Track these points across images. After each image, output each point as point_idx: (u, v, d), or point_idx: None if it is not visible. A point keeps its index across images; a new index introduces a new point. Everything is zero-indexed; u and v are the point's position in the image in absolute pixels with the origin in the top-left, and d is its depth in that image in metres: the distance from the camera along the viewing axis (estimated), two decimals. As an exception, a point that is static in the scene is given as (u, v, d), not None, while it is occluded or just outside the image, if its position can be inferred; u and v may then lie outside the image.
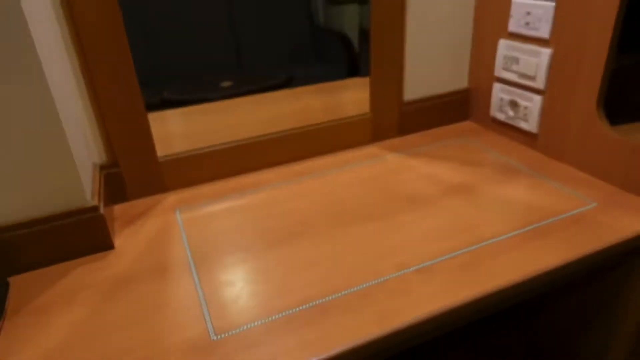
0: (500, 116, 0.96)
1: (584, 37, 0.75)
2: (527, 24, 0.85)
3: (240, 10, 2.60)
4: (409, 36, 0.94)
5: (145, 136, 0.79)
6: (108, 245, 0.68)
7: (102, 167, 0.78)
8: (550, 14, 0.80)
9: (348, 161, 0.92)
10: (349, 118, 0.95)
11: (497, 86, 0.96)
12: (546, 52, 0.82)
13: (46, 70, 0.57)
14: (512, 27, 0.88)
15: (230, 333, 0.52)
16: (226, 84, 2.08)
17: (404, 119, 1.00)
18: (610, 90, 0.82)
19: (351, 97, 1.24)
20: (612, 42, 0.72)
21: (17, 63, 0.55)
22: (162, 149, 0.82)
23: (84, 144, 0.73)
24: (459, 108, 1.06)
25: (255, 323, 0.53)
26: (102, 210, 0.66)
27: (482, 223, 0.69)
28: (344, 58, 2.61)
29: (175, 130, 1.07)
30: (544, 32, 0.82)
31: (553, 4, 0.79)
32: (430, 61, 0.98)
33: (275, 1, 2.69)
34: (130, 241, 0.70)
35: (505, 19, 0.90)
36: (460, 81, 1.04)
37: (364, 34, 2.98)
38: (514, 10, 0.87)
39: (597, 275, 0.83)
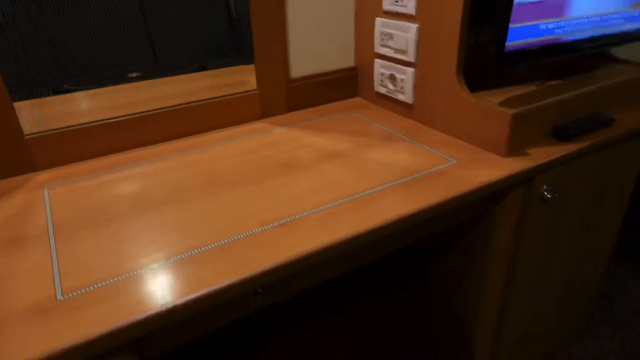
0: (382, 90, 1.02)
1: (442, 13, 0.82)
2: (397, 1, 0.90)
3: (153, 2, 2.53)
4: (290, 14, 0.96)
5: (6, 112, 0.75)
6: (-40, 222, 0.64)
7: (-42, 145, 0.73)
8: (413, -10, 0.86)
9: (233, 136, 0.92)
10: (236, 94, 0.96)
11: (377, 62, 1.01)
12: (413, 27, 0.88)
13: None
14: (386, 5, 0.94)
15: (77, 293, 0.51)
16: (134, 74, 2.01)
17: (292, 96, 1.02)
18: (471, 62, 0.90)
19: (249, 79, 1.25)
20: (464, 17, 0.79)
21: None
22: (36, 129, 0.78)
23: None
24: (347, 85, 1.10)
25: (104, 283, 0.52)
26: (-51, 184, 0.62)
27: (353, 181, 0.73)
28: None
29: (57, 109, 1.02)
30: (411, 8, 0.87)
31: (415, -20, 0.85)
32: (314, 39, 1.02)
33: (187, -6, 2.65)
34: (-13, 217, 0.66)
35: (379, -4, 0.95)
36: (347, 60, 1.09)
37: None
38: (385, -12, 0.92)
39: (468, 229, 0.91)
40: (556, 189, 0.83)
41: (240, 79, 1.26)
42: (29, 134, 0.78)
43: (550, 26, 0.86)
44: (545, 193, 0.82)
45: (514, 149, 0.79)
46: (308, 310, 0.90)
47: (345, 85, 1.09)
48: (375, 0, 0.96)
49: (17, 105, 0.77)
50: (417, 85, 0.92)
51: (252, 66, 1.36)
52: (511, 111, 0.75)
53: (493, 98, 0.89)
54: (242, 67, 1.42)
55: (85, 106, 1.04)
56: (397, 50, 0.94)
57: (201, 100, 0.92)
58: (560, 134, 0.84)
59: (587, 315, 1.27)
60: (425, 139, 0.87)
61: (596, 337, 1.27)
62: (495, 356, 1.00)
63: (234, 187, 0.73)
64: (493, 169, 0.75)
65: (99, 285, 0.52)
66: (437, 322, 1.08)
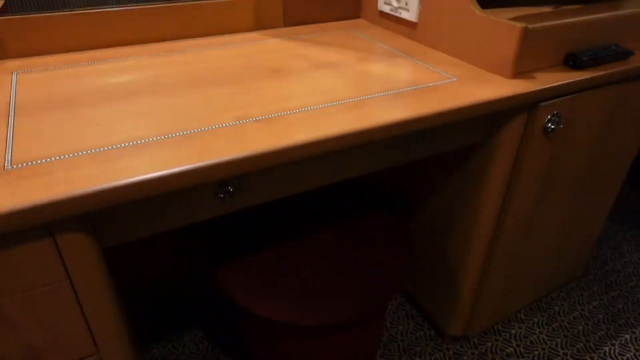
0: (386, 8, 0.94)
1: None
2: None
3: None
4: None
5: (-25, -13, 0.69)
6: None
7: None
8: None
9: (221, 43, 0.86)
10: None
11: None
12: None
13: None
14: None
15: (26, 164, 0.47)
16: None
17: (290, 8, 0.95)
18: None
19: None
20: None
21: None
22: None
23: None
24: (351, 3, 1.02)
25: (57, 157, 0.49)
26: None
27: (345, 88, 0.67)
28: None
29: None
30: None
31: None
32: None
33: None
34: (-53, 94, 0.62)
35: None
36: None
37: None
38: None
39: (463, 160, 0.86)
40: (561, 120, 0.77)
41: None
42: (4, 15, 0.73)
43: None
44: (549, 124, 0.77)
45: (519, 71, 0.73)
46: (285, 215, 0.88)
47: (348, 3, 1.02)
48: None
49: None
50: (423, 2, 0.85)
51: None
52: (520, 25, 0.69)
53: (503, 15, 0.82)
54: None
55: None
56: (397, 9, 0.86)
57: (190, 2, 0.86)
58: (572, 61, 0.77)
59: (579, 271, 1.24)
60: (426, 58, 0.81)
61: (584, 295, 1.25)
62: (478, 300, 0.97)
63: (215, 85, 0.68)
64: (494, 88, 0.69)
65: (51, 159, 0.48)
66: (418, 254, 1.06)
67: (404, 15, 0.90)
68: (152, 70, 0.72)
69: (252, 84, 0.68)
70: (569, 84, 0.73)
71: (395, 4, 0.91)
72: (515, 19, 0.77)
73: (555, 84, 0.72)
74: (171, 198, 0.53)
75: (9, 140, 0.52)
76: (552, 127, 0.76)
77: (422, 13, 0.86)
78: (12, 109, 0.59)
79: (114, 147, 0.51)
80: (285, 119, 0.58)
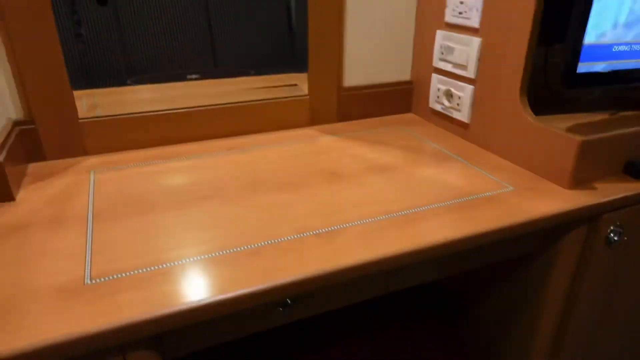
0: (437, 107, 0.97)
1: (508, 27, 0.77)
2: (461, 13, 0.86)
3: (217, 10, 2.62)
4: (348, 22, 0.94)
5: (64, 95, 0.77)
6: (7, 197, 0.66)
7: (18, 123, 0.76)
8: (480, 2, 0.81)
9: (280, 140, 0.91)
10: (286, 98, 0.95)
11: (435, 77, 0.97)
12: (476, 41, 0.83)
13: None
14: (448, 17, 0.90)
15: (104, 279, 0.50)
16: (194, 76, 2.07)
17: (343, 105, 1.00)
18: (536, 83, 0.84)
19: (301, 85, 1.24)
20: (533, 33, 0.74)
21: None
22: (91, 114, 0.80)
23: (-4, 96, 0.71)
24: (402, 99, 1.06)
25: (133, 272, 0.51)
26: (2, 158, 0.64)
27: (399, 197, 0.69)
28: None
29: (116, 98, 1.05)
30: (475, 21, 0.83)
31: (483, -7, 0.80)
32: (371, 49, 0.99)
33: (253, 2, 2.72)
34: (33, 195, 0.68)
35: (443, 9, 0.91)
36: (403, 73, 1.05)
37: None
38: (450, 0, 0.88)
39: (517, 268, 0.84)
40: (624, 232, 0.75)
41: (293, 83, 1.25)
42: (83, 118, 0.80)
43: (628, 48, 0.79)
44: (612, 235, 0.74)
45: (578, 181, 0.72)
46: (335, 326, 0.86)
47: (399, 99, 1.06)
48: (438, 11, 0.93)
49: (77, 93, 0.80)
50: (476, 104, 0.87)
51: (306, 74, 1.36)
52: (579, 138, 0.69)
53: (558, 123, 0.82)
54: (295, 74, 1.42)
55: (140, 97, 1.06)
56: (456, 65, 0.89)
57: (250, 101, 0.92)
58: (633, 171, 0.76)
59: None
60: (480, 161, 0.82)
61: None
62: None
63: (273, 190, 0.70)
64: (554, 200, 0.68)
65: (127, 274, 0.51)
66: None
67: (456, 115, 0.92)
68: (215, 172, 0.76)
69: (309, 190, 0.71)
70: (633, 196, 0.72)
71: (446, 103, 0.94)
72: (571, 128, 0.77)
73: (617, 197, 0.70)
74: (232, 313, 0.54)
75: (88, 251, 0.55)
76: (616, 238, 0.74)
77: (474, 115, 0.88)
78: (90, 214, 0.63)
79: (185, 261, 0.53)
80: (343, 234, 0.59)
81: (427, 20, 0.97)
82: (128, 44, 2.40)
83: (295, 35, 2.86)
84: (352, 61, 0.98)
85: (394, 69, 1.04)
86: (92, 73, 2.24)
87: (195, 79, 2.03)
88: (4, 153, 0.65)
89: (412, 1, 0.98)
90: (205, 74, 2.11)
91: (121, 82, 2.04)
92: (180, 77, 2.06)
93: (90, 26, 2.23)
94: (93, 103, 0.93)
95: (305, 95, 0.96)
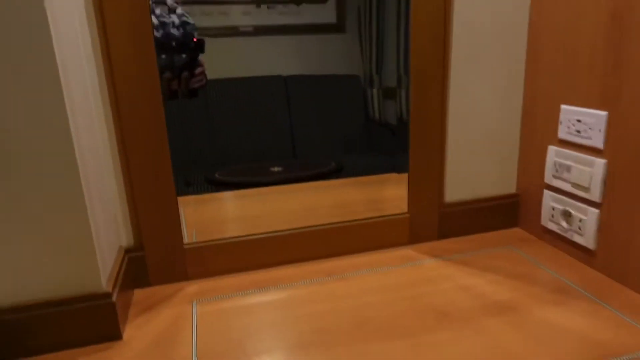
0: (552, 226, 0.88)
1: (643, 149, 0.69)
2: (579, 132, 0.80)
3: (297, 104, 2.75)
4: (450, 136, 0.91)
5: (174, 222, 0.79)
6: (116, 336, 0.65)
7: (127, 250, 0.78)
8: (602, 123, 0.75)
9: (380, 263, 0.86)
10: (385, 216, 0.91)
11: (547, 194, 0.89)
12: (600, 163, 0.76)
13: (77, 152, 0.60)
14: (562, 134, 0.84)
15: None
16: (276, 169, 2.13)
17: (445, 222, 0.94)
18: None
19: (393, 193, 1.21)
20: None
21: (54, 156, 0.57)
22: (192, 234, 0.81)
23: (112, 227, 0.74)
24: (506, 214, 0.98)
25: None
26: (114, 297, 0.64)
27: (526, 354, 0.60)
28: (396, 149, 2.64)
29: (213, 214, 1.08)
30: (598, 141, 0.76)
31: (606, 113, 0.74)
32: (473, 163, 0.94)
33: (331, 94, 2.83)
34: (139, 333, 0.67)
35: (554, 125, 0.85)
36: (507, 185, 0.98)
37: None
38: (563, 117, 0.83)
39: None
40: None
41: (387, 191, 1.22)
42: (188, 244, 0.81)
43: None
44: None
45: None
46: None
47: (503, 213, 0.98)
48: (549, 126, 0.87)
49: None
50: (603, 229, 0.78)
51: (395, 175, 1.32)
52: None
53: None
54: (386, 176, 1.40)
55: (237, 212, 1.08)
56: (575, 186, 0.82)
57: (349, 221, 0.89)
58: None
59: None
60: (613, 300, 0.71)
61: None
62: None
63: (384, 336, 0.64)
64: None
65: None
66: None
67: (577, 239, 0.82)
68: (315, 307, 0.72)
69: (420, 337, 0.64)
70: None
71: (564, 224, 0.85)
72: None
73: None
74: None
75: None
76: None
77: (601, 241, 0.78)
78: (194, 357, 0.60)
79: None
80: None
81: (535, 134, 0.91)
82: (217, 135, 2.56)
83: (371, 123, 2.91)
84: (454, 175, 0.94)
85: (498, 183, 0.97)
86: (179, 165, 2.40)
87: (278, 173, 2.09)
88: (117, 290, 0.66)
89: (516, 113, 0.94)
90: (287, 167, 2.16)
91: (210, 176, 2.13)
92: (264, 170, 2.12)
93: (182, 117, 2.41)
94: (192, 220, 0.95)
95: (405, 213, 0.92)
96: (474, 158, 0.94)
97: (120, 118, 0.72)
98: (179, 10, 1.37)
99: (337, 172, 2.16)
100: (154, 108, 0.73)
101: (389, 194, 1.21)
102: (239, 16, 2.74)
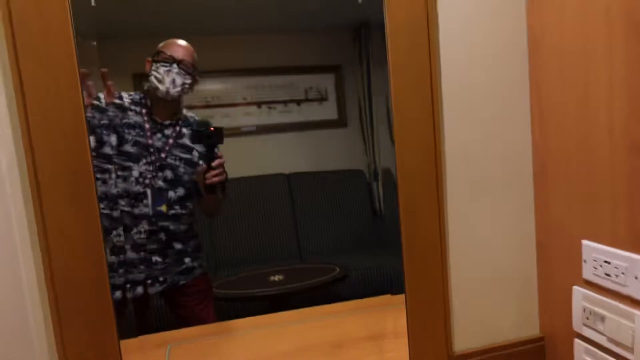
0: (592, 388, 0.71)
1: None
2: (609, 275, 0.65)
3: (301, 201, 2.67)
4: (453, 272, 0.77)
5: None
6: None
7: None
8: (639, 269, 0.61)
9: None
10: (382, 377, 0.75)
11: (579, 345, 0.72)
12: (643, 318, 0.61)
13: None
14: (588, 274, 0.69)
15: None
16: (277, 277, 1.98)
17: (456, 378, 0.77)
18: None
19: (397, 322, 1.05)
20: None
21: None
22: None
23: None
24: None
25: None
26: None
27: None
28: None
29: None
30: (635, 290, 0.62)
31: (641, 257, 0.60)
32: (485, 303, 0.79)
33: (337, 190, 2.75)
34: None
35: (577, 260, 0.71)
36: (529, 327, 0.82)
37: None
38: (586, 255, 0.69)
39: None
40: None
41: (394, 321, 1.06)
42: None
43: None
44: None
45: None
46: None
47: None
48: (570, 265, 0.73)
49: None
50: (658, 403, 0.60)
51: (400, 297, 1.18)
52: None
53: None
54: (389, 297, 1.24)
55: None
56: (613, 342, 0.66)
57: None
58: None
59: None
60: None
61: None
62: None
63: None
64: None
65: None
66: None
67: (625, 409, 0.65)
68: None
69: None
70: None
71: (605, 388, 0.68)
72: None
73: None
74: None
75: None
76: None
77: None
78: None
79: None
80: None
81: (554, 270, 0.77)
82: (217, 244, 2.45)
83: (378, 218, 2.80)
84: (462, 319, 0.79)
85: (517, 324, 0.81)
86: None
87: (279, 282, 1.93)
88: None
89: (529, 245, 0.81)
90: (288, 275, 2.01)
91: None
92: (264, 280, 1.97)
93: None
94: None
95: (406, 371, 0.76)
96: (485, 297, 0.79)
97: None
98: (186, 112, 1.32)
99: (343, 279, 1.99)
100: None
101: (397, 325, 1.05)
102: (240, 117, 2.76)
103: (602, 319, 0.67)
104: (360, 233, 2.74)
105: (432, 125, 0.74)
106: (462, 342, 0.79)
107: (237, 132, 2.74)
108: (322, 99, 2.82)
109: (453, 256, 0.77)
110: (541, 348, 0.82)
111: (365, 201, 2.80)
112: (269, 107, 2.78)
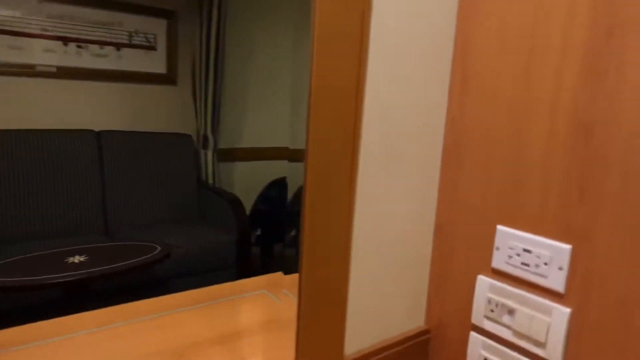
0: (487, 389, 0.65)
1: (630, 300, 0.51)
2: (526, 265, 0.60)
3: (112, 166, 2.21)
4: (355, 253, 0.63)
5: None
6: None
7: None
8: (564, 260, 0.56)
9: None
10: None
11: (476, 338, 0.66)
12: (562, 313, 0.56)
13: None
14: (499, 262, 0.63)
15: None
16: (77, 259, 1.56)
17: (346, 388, 0.64)
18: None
19: (249, 316, 0.86)
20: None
21: None
22: None
23: None
24: (417, 357, 0.73)
25: None
26: None
27: None
28: (235, 222, 2.29)
29: None
30: (557, 282, 0.57)
31: (569, 247, 0.55)
32: (380, 290, 0.68)
33: (157, 155, 2.37)
34: None
35: (487, 248, 0.65)
36: (416, 320, 0.74)
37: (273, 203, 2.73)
38: (500, 242, 0.63)
39: None
40: None
41: (244, 317, 0.87)
42: None
43: None
44: None
45: None
46: None
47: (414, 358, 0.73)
48: (477, 251, 0.66)
49: None
50: (562, 399, 0.57)
51: (258, 280, 1.01)
52: None
53: None
54: (231, 286, 1.04)
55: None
56: (521, 336, 0.61)
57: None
58: None
59: None
60: None
61: None
62: None
63: None
64: None
65: None
66: None
67: (524, 407, 0.60)
68: None
69: None
70: None
71: (503, 384, 0.63)
72: None
73: None
74: None
75: None
76: None
77: (559, 414, 0.57)
78: None
79: None
80: None
81: (453, 255, 0.69)
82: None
83: (203, 188, 2.53)
84: (357, 312, 0.65)
85: (406, 318, 0.72)
86: None
87: (79, 264, 1.52)
88: None
89: (430, 214, 0.72)
90: (92, 255, 1.61)
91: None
92: (59, 262, 1.53)
93: None
94: None
95: (293, 387, 0.59)
96: (381, 287, 0.68)
97: None
98: None
99: (162, 260, 1.69)
100: None
101: (251, 319, 0.86)
102: (38, 53, 2.13)
103: (511, 311, 0.61)
104: (183, 205, 2.43)
105: (356, 78, 0.57)
106: (354, 342, 0.66)
107: (29, 71, 2.11)
108: (149, 47, 2.38)
109: (357, 238, 0.63)
110: (426, 342, 0.74)
111: (190, 170, 2.49)
112: (79, 47, 2.21)
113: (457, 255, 0.69)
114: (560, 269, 0.56)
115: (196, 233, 2.19)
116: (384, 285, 0.68)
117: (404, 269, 0.70)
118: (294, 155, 2.65)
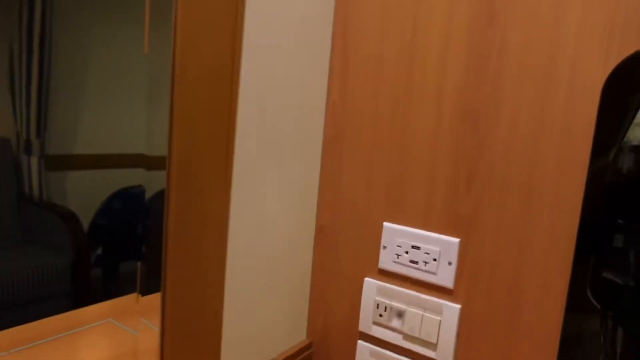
0: (377, 399, 0.60)
1: (517, 288, 0.51)
2: (415, 262, 0.56)
3: None
4: (230, 263, 0.52)
5: None
6: None
7: None
8: (453, 254, 0.53)
9: None
10: None
11: (363, 347, 0.61)
12: (452, 309, 0.54)
13: None
14: (386, 263, 0.59)
15: None
16: None
17: None
18: None
19: (94, 356, 0.68)
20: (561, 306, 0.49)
21: None
22: None
23: None
24: (299, 376, 0.65)
25: None
26: None
27: None
28: (69, 241, 1.94)
29: None
30: (445, 278, 0.54)
31: (457, 240, 0.53)
32: (259, 304, 0.58)
33: (-39, 164, 1.89)
34: None
35: (373, 248, 0.60)
36: (298, 334, 0.66)
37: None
38: (387, 239, 0.58)
39: None
40: None
41: (83, 354, 0.68)
42: None
43: None
44: None
45: None
46: None
47: (295, 377, 0.64)
48: (363, 247, 0.61)
49: None
50: (453, 400, 0.55)
51: (104, 307, 0.84)
52: None
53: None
54: (74, 315, 0.83)
55: None
56: (413, 340, 0.57)
57: None
58: None
59: None
60: None
61: None
62: None
63: None
64: None
65: None
66: None
67: (416, 414, 0.57)
68: None
69: None
70: None
71: (394, 393, 0.58)
72: None
73: None
74: None
75: None
76: None
77: (450, 416, 0.55)
78: None
79: None
80: None
81: (337, 259, 0.63)
82: None
83: (27, 203, 2.10)
84: (233, 330, 0.54)
85: (288, 333, 0.64)
86: None
87: None
88: None
89: (311, 215, 0.64)
90: None
91: None
92: None
93: None
94: None
95: None
96: (260, 299, 0.58)
97: None
98: None
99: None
100: None
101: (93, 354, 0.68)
102: None
103: (401, 314, 0.57)
104: (2, 223, 1.98)
105: (231, 60, 0.47)
106: (229, 369, 0.55)
107: None
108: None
109: (232, 249, 0.52)
110: (309, 358, 0.67)
111: (8, 182, 2.05)
112: None
113: (342, 259, 0.63)
114: (450, 263, 0.54)
115: (17, 256, 1.80)
116: (263, 302, 0.58)
117: (285, 281, 0.61)
118: (152, 163, 2.38)
